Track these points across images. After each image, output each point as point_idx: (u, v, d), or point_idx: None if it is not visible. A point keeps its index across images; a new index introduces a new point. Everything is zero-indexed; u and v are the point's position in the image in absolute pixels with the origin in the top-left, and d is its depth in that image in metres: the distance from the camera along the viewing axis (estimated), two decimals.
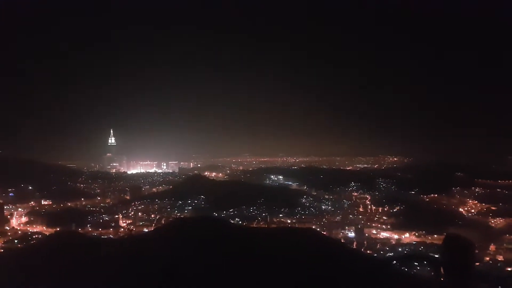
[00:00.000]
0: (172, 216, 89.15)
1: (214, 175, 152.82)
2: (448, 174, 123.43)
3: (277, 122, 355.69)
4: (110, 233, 78.22)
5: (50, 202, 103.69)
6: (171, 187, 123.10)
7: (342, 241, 71.06)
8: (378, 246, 70.70)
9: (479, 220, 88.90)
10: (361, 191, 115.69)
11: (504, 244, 70.44)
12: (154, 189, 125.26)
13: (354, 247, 68.24)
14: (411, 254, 61.28)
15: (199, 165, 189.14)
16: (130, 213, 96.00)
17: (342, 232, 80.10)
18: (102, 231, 79.71)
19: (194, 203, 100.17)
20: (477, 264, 47.09)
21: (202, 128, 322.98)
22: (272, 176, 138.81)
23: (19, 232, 79.32)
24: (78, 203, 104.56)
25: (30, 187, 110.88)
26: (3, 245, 66.86)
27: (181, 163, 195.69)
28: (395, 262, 53.80)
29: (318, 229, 74.78)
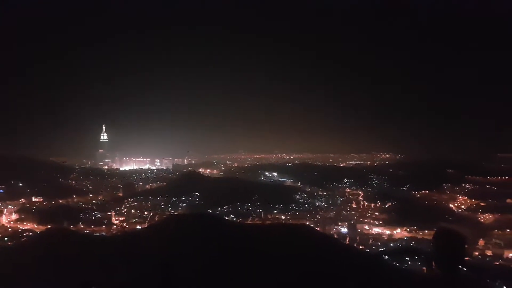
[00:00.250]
0: (166, 213, 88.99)
1: (209, 172, 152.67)
2: (439, 171, 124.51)
3: (272, 119, 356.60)
4: (102, 231, 77.60)
5: (41, 199, 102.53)
6: (164, 184, 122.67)
7: (336, 236, 71.75)
8: (371, 242, 71.77)
9: (469, 216, 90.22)
10: (354, 187, 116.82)
11: (493, 239, 71.81)
12: (147, 186, 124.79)
13: (347, 242, 69.01)
14: (403, 248, 62.24)
15: (193, 162, 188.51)
16: (123, 210, 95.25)
17: (335, 228, 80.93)
18: (95, 228, 79.06)
19: (188, 200, 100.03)
20: (467, 259, 48.04)
21: (197, 125, 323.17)
22: (266, 173, 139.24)
23: (9, 229, 78.37)
24: (69, 200, 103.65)
25: (21, 184, 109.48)
26: None
27: (175, 159, 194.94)
28: (387, 257, 54.63)
29: (312, 225, 75.53)
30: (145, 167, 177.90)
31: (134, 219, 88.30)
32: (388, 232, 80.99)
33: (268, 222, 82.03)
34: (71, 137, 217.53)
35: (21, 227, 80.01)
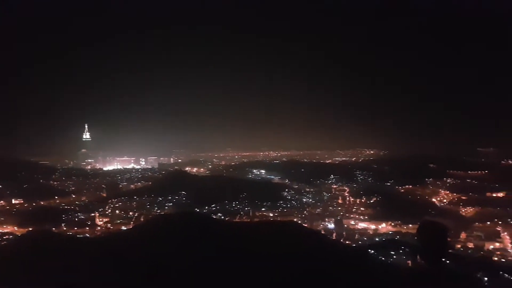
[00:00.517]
0: (152, 213, 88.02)
1: (196, 170, 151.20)
2: (421, 166, 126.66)
3: (259, 117, 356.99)
4: (86, 232, 75.99)
5: (22, 201, 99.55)
6: (150, 183, 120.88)
7: (323, 232, 72.38)
8: (357, 237, 72.72)
9: (450, 210, 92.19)
10: (340, 183, 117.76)
11: (474, 232, 73.63)
12: (132, 186, 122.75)
13: (334, 238, 69.71)
14: (388, 241, 63.25)
15: (179, 161, 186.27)
16: (107, 211, 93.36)
17: (322, 224, 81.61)
18: (78, 230, 77.30)
19: (175, 199, 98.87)
20: (451, 251, 49.21)
21: (183, 123, 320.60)
22: (254, 171, 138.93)
23: None
24: (51, 201, 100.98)
25: (0, 186, 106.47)
26: None
27: (161, 158, 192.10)
28: (372, 251, 55.44)
29: (299, 222, 76.00)
30: (130, 166, 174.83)
31: (119, 219, 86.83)
32: (373, 227, 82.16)
33: (256, 219, 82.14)
34: (53, 136, 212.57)
35: (0, 230, 77.59)
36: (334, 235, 72.75)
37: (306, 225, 74.66)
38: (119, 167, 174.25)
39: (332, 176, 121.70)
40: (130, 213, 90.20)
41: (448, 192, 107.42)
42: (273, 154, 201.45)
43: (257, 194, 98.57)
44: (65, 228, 78.38)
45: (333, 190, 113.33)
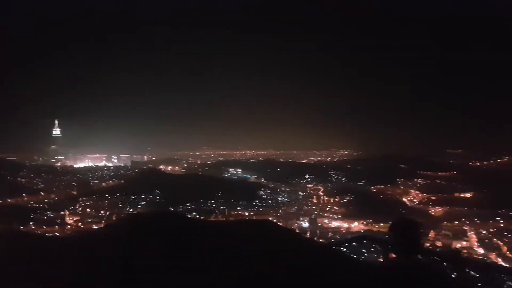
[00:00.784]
0: (124, 212, 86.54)
1: (170, 169, 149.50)
2: (393, 166, 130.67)
3: (236, 116, 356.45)
4: (55, 231, 74.03)
5: None
6: (122, 181, 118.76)
7: (297, 231, 73.24)
8: (330, 235, 74.12)
9: (420, 209, 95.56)
10: (315, 183, 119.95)
11: (442, 231, 76.61)
12: (104, 184, 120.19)
13: (308, 236, 70.66)
14: (361, 236, 64.77)
15: (153, 159, 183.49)
16: (77, 209, 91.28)
17: (297, 223, 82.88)
18: (47, 229, 75.19)
19: (149, 198, 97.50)
20: (423, 246, 50.65)
21: (158, 120, 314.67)
22: (230, 169, 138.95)
23: None
24: (19, 199, 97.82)
25: None
26: None
27: (134, 156, 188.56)
28: (344, 249, 56.55)
29: (274, 221, 76.66)
30: (101, 164, 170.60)
31: (90, 218, 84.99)
32: (346, 225, 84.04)
33: (231, 218, 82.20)
34: (21, 132, 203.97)
35: None
36: (308, 233, 73.82)
37: (281, 223, 75.35)
38: (90, 164, 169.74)
39: (307, 176, 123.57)
40: (102, 212, 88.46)
41: (418, 192, 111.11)
42: (249, 153, 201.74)
43: (233, 193, 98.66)
44: (33, 227, 75.99)
45: (308, 189, 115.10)
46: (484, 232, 76.80)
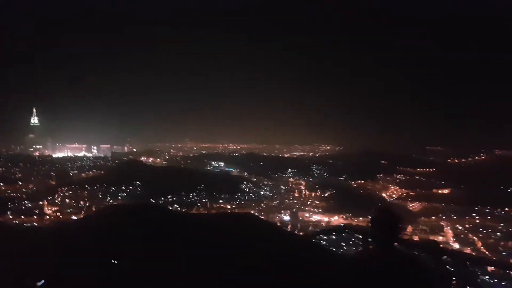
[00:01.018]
0: (105, 203, 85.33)
1: (152, 161, 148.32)
2: (374, 162, 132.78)
3: (219, 109, 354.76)
4: (34, 221, 72.88)
5: None
6: (102, 172, 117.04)
7: (278, 224, 73.82)
8: (310, 228, 74.97)
9: (399, 204, 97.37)
10: (297, 177, 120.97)
11: (420, 226, 78.41)
12: (83, 174, 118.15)
13: (289, 229, 71.34)
14: (342, 226, 65.90)
15: (134, 150, 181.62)
16: (56, 199, 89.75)
17: (278, 216, 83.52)
18: (25, 219, 74.02)
19: (129, 189, 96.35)
20: (402, 236, 51.74)
21: (139, 110, 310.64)
22: (213, 163, 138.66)
23: None
24: None
25: None
26: None
27: (114, 147, 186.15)
28: (324, 242, 57.52)
29: (256, 214, 77.00)
30: (81, 154, 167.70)
31: (69, 209, 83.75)
32: (326, 219, 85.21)
33: (213, 211, 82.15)
34: None
35: None
36: (289, 226, 74.50)
37: (262, 217, 75.79)
38: (70, 154, 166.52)
39: (289, 170, 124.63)
40: (81, 203, 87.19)
41: (397, 187, 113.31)
42: (232, 146, 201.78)
43: (215, 186, 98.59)
44: (11, 217, 74.96)
45: (290, 183, 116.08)
46: (460, 227, 78.64)
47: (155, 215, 51.70)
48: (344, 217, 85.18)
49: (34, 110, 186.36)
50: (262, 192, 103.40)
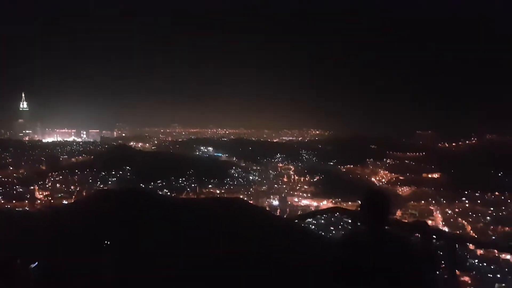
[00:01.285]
0: (95, 188, 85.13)
1: (141, 146, 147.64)
2: (363, 147, 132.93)
3: (208, 93, 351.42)
4: (25, 206, 73.09)
5: None
6: (92, 157, 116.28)
7: (267, 209, 74.50)
8: (299, 213, 75.83)
9: (388, 189, 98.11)
10: (286, 162, 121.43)
11: (409, 210, 79.46)
12: (73, 159, 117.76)
13: (278, 214, 72.14)
14: (331, 208, 66.70)
15: (123, 135, 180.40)
16: (47, 184, 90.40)
17: (267, 201, 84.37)
18: (16, 203, 74.37)
19: (119, 174, 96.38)
20: (391, 217, 52.66)
21: (128, 95, 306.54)
22: (202, 148, 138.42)
23: None
24: None
25: None
26: None
27: (103, 132, 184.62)
28: (312, 226, 58.33)
29: (245, 199, 77.52)
30: (70, 139, 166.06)
31: (60, 193, 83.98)
32: (315, 204, 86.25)
33: (202, 196, 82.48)
34: None
35: None
36: (278, 211, 75.32)
37: (251, 202, 76.34)
38: (59, 139, 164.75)
39: (278, 155, 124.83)
40: (72, 187, 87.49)
41: (387, 172, 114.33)
42: (221, 131, 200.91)
43: (204, 171, 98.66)
44: (2, 201, 75.61)
45: (279, 168, 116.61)
46: (449, 212, 79.30)
47: (145, 200, 51.85)
48: (333, 201, 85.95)
49: (23, 95, 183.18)
50: (251, 177, 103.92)
